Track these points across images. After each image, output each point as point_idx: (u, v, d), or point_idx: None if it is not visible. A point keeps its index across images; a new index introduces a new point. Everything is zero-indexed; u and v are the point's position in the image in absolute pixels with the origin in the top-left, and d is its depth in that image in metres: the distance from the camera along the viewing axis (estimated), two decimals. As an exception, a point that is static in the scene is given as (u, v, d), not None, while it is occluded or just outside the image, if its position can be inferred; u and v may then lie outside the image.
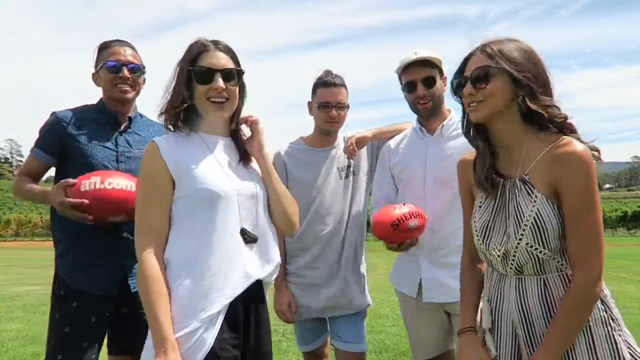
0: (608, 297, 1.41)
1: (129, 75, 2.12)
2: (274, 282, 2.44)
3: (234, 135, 1.64)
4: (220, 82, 1.51)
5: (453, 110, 2.29)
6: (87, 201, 1.86)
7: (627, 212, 35.70)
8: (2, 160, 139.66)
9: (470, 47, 1.48)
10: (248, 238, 1.50)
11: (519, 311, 1.42)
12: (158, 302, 1.38)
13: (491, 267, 1.53)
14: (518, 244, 1.39)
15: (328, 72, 2.39)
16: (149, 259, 1.42)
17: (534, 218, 1.37)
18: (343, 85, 2.37)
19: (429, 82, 2.17)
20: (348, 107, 2.39)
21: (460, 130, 2.19)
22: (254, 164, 1.65)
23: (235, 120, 1.63)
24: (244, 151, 1.63)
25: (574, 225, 1.33)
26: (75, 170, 1.99)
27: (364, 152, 2.47)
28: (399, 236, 2.06)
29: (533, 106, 1.37)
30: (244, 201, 1.52)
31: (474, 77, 1.42)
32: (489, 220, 1.48)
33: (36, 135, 2.14)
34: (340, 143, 2.46)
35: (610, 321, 1.37)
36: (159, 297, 1.39)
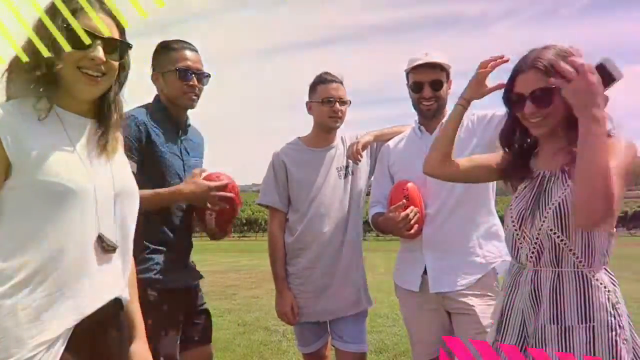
0: (621, 305, 1.42)
1: (198, 85, 2.03)
2: (275, 284, 2.44)
3: (100, 117, 1.30)
4: (100, 52, 1.20)
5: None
6: (232, 195, 1.97)
7: (627, 212, 35.59)
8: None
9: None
10: (106, 247, 1.22)
11: (531, 301, 1.47)
12: None
13: (515, 260, 1.58)
14: (541, 226, 1.45)
15: (326, 72, 2.43)
16: None
17: (560, 203, 1.43)
18: (342, 82, 2.42)
19: (436, 85, 2.21)
20: (349, 103, 2.43)
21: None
22: (119, 156, 1.35)
23: (106, 101, 1.30)
24: (109, 140, 1.29)
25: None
26: (151, 180, 1.88)
27: (363, 152, 2.46)
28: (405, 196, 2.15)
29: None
30: (104, 201, 1.22)
31: (535, 97, 1.44)
32: (525, 209, 1.53)
33: None
34: (338, 143, 2.48)
35: (617, 327, 1.38)
36: None
